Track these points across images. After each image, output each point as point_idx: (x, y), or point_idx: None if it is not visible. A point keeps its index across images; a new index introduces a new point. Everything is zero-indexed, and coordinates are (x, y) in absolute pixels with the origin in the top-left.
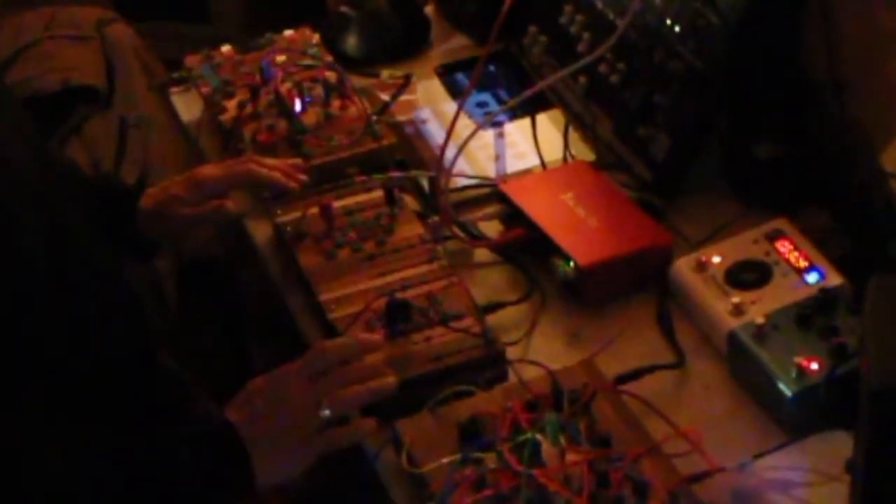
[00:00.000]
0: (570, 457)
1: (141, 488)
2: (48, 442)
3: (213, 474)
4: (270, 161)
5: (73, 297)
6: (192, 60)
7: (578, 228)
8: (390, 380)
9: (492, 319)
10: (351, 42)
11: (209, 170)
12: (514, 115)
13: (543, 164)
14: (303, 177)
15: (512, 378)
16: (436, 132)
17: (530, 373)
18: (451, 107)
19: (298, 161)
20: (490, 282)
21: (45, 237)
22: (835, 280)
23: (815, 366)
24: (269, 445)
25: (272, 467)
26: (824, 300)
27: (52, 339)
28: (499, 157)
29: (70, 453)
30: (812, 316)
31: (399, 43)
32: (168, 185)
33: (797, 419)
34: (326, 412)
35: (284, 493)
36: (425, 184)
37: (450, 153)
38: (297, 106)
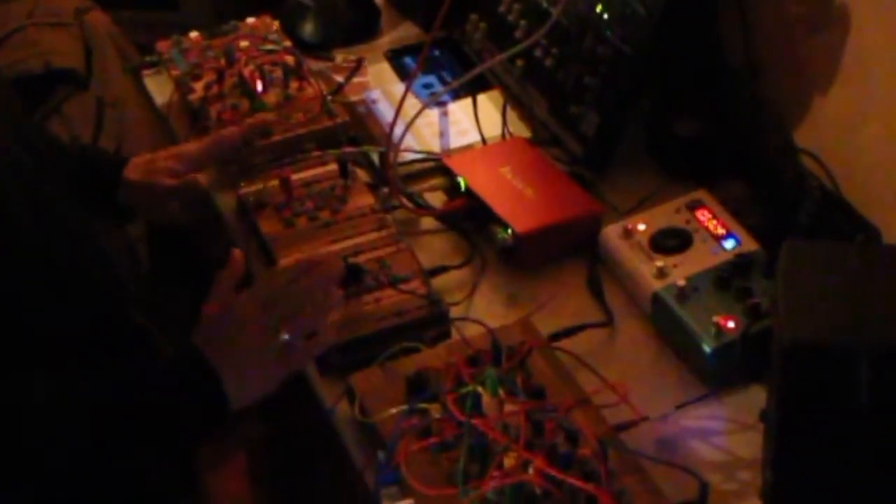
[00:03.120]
0: (508, 407)
1: (120, 422)
2: (25, 384)
3: (189, 399)
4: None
5: (53, 259)
6: (163, 45)
7: (516, 199)
8: (339, 293)
9: (436, 282)
10: (308, 29)
11: (192, 144)
12: (457, 95)
13: (484, 140)
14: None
15: (455, 335)
16: (385, 111)
17: (472, 331)
18: (399, 88)
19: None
20: (435, 248)
21: (28, 205)
22: (750, 246)
23: (731, 324)
24: (236, 368)
25: (242, 389)
26: (740, 264)
27: (34, 299)
28: (443, 134)
29: (47, 394)
30: (729, 279)
31: (352, 29)
32: (155, 157)
33: (716, 373)
34: (285, 336)
35: (247, 443)
36: (376, 158)
37: (398, 130)
38: (259, 87)
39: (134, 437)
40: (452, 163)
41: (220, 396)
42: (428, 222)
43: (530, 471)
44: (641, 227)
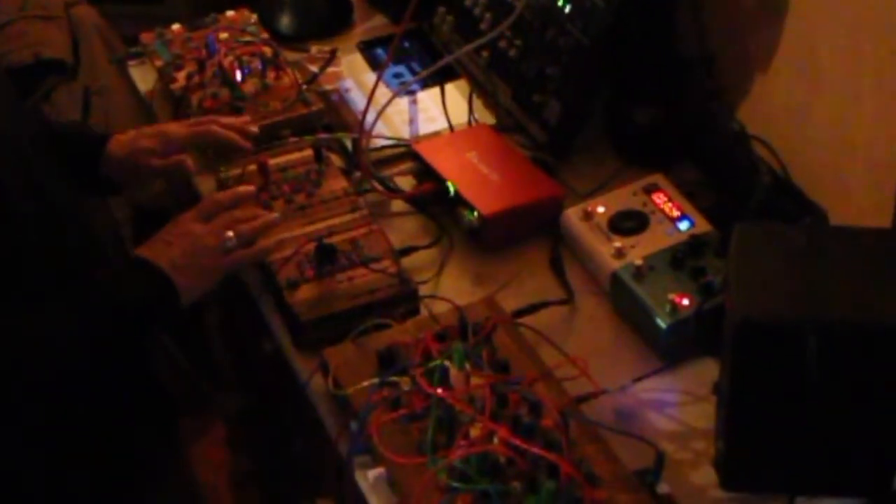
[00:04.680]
0: (474, 380)
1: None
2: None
3: (145, 296)
4: (227, 120)
5: (49, 232)
6: (146, 37)
7: (481, 182)
8: (275, 215)
9: (406, 262)
10: (284, 21)
11: (176, 128)
12: (426, 84)
13: (451, 127)
14: (254, 128)
15: (424, 312)
16: (358, 99)
17: (440, 308)
18: (371, 77)
19: (247, 118)
20: (405, 229)
21: (22, 184)
22: (703, 228)
23: (686, 301)
24: (185, 264)
25: (191, 282)
26: (694, 245)
27: (29, 264)
28: (412, 121)
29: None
30: (684, 258)
31: (326, 22)
32: (137, 136)
33: (671, 347)
34: (230, 236)
35: (226, 414)
36: (349, 144)
37: (370, 117)
38: (238, 76)
39: (109, 337)
40: (421, 148)
41: (171, 289)
42: (398, 205)
43: (495, 440)
44: (601, 209)
